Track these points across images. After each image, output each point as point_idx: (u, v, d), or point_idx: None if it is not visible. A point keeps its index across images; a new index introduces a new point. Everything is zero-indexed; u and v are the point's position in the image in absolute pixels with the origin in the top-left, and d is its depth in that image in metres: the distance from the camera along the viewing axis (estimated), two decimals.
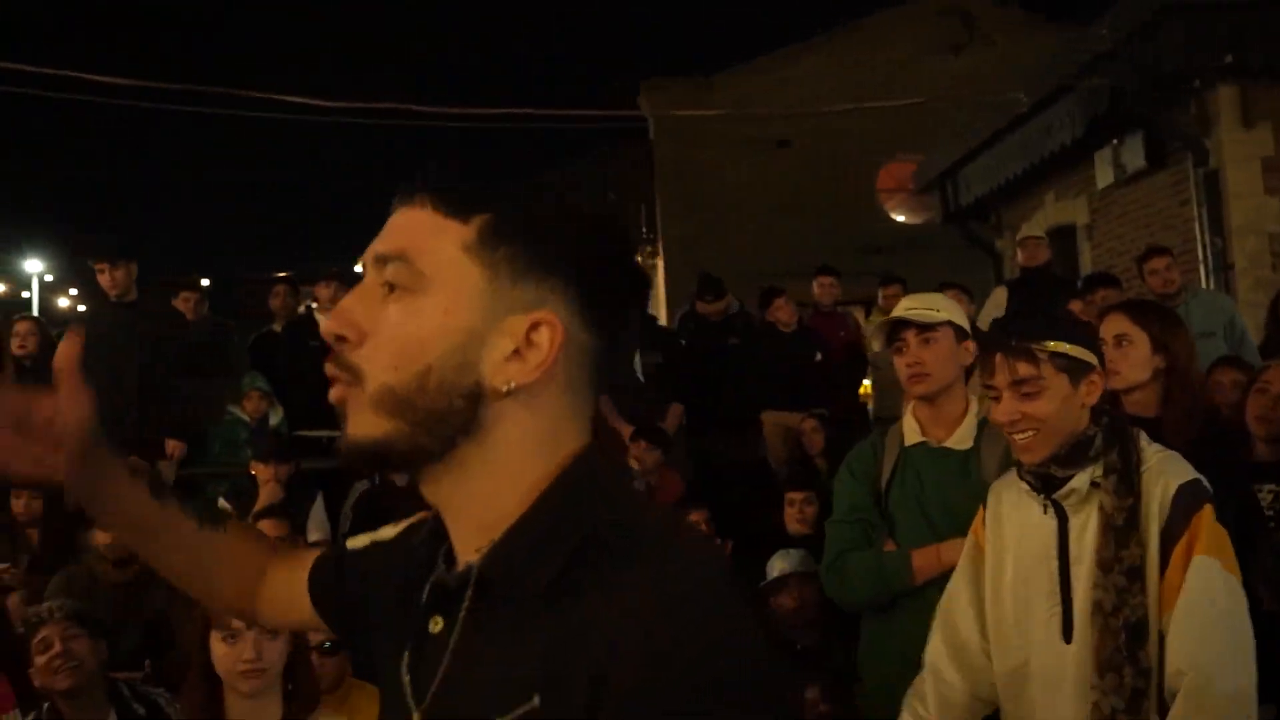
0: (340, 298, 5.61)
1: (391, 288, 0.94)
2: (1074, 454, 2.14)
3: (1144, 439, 2.21)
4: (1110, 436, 2.15)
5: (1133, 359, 2.99)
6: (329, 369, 0.97)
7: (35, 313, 13.81)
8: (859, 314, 8.38)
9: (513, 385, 0.93)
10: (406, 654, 1.00)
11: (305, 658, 2.61)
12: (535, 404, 0.94)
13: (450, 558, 1.00)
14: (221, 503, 5.71)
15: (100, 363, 5.73)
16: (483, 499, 0.95)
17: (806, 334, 7.28)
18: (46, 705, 3.26)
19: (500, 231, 0.94)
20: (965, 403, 2.84)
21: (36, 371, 6.13)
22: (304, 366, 6.87)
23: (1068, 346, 2.13)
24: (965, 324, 2.86)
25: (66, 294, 27.80)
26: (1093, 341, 2.25)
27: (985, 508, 2.33)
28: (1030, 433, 2.13)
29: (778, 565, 4.57)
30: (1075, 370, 2.14)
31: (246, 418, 6.44)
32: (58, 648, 3.23)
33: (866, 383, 8.09)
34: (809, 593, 4.29)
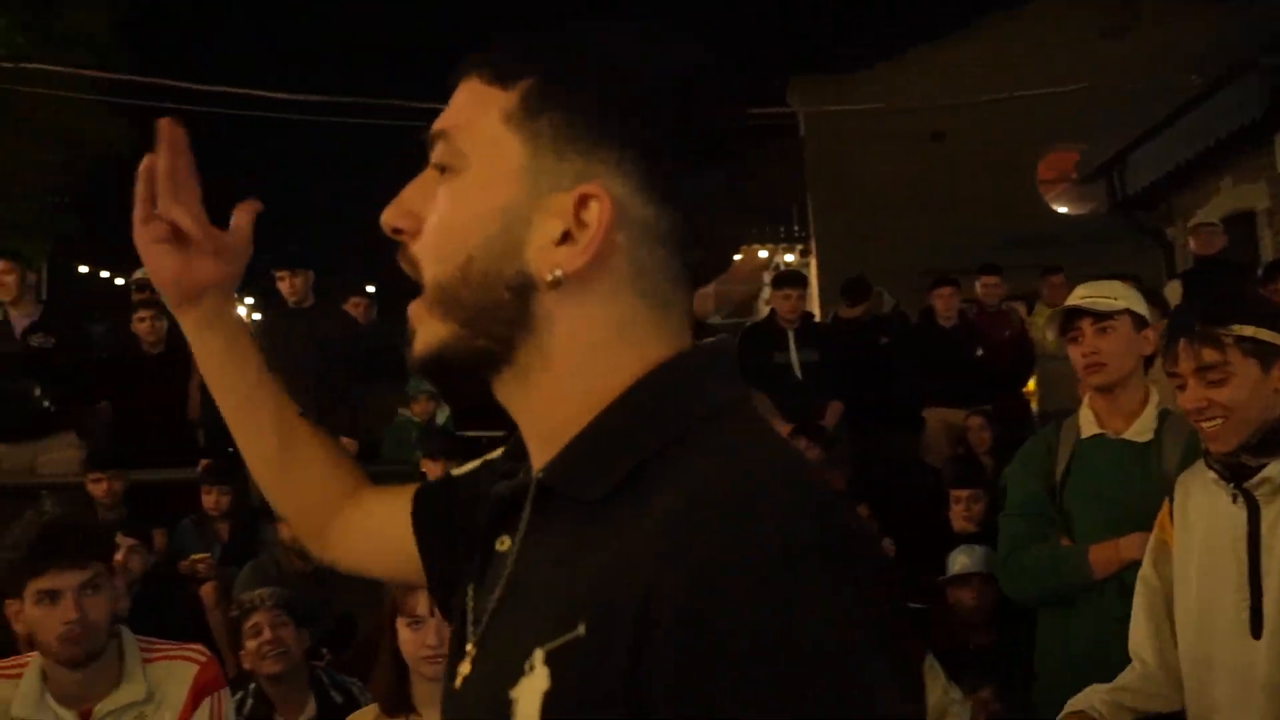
0: None
1: (442, 170, 0.84)
2: (1266, 442, 2.05)
3: None
4: None
5: None
6: (402, 265, 0.88)
7: None
8: (1021, 309, 8.14)
9: (559, 273, 0.79)
10: (470, 583, 0.90)
11: None
12: (591, 296, 0.81)
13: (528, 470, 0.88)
14: None
15: (278, 367, 5.98)
16: (545, 406, 0.84)
17: (967, 329, 7.12)
18: (254, 686, 3.46)
19: (544, 95, 0.81)
20: (1144, 393, 2.75)
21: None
22: None
23: (1255, 330, 2.05)
24: (1144, 311, 2.77)
25: (242, 302, 29.16)
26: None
27: (1171, 501, 2.26)
28: (1218, 420, 2.05)
29: (960, 561, 4.47)
30: (1265, 355, 2.05)
31: (416, 419, 6.67)
32: (268, 635, 3.40)
33: (1032, 381, 7.88)
34: (990, 592, 4.20)
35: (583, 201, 0.79)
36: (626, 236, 0.80)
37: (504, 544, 0.86)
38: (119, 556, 2.56)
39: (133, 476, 5.72)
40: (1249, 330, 2.04)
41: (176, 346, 6.65)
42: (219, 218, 1.15)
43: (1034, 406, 7.85)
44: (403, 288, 0.90)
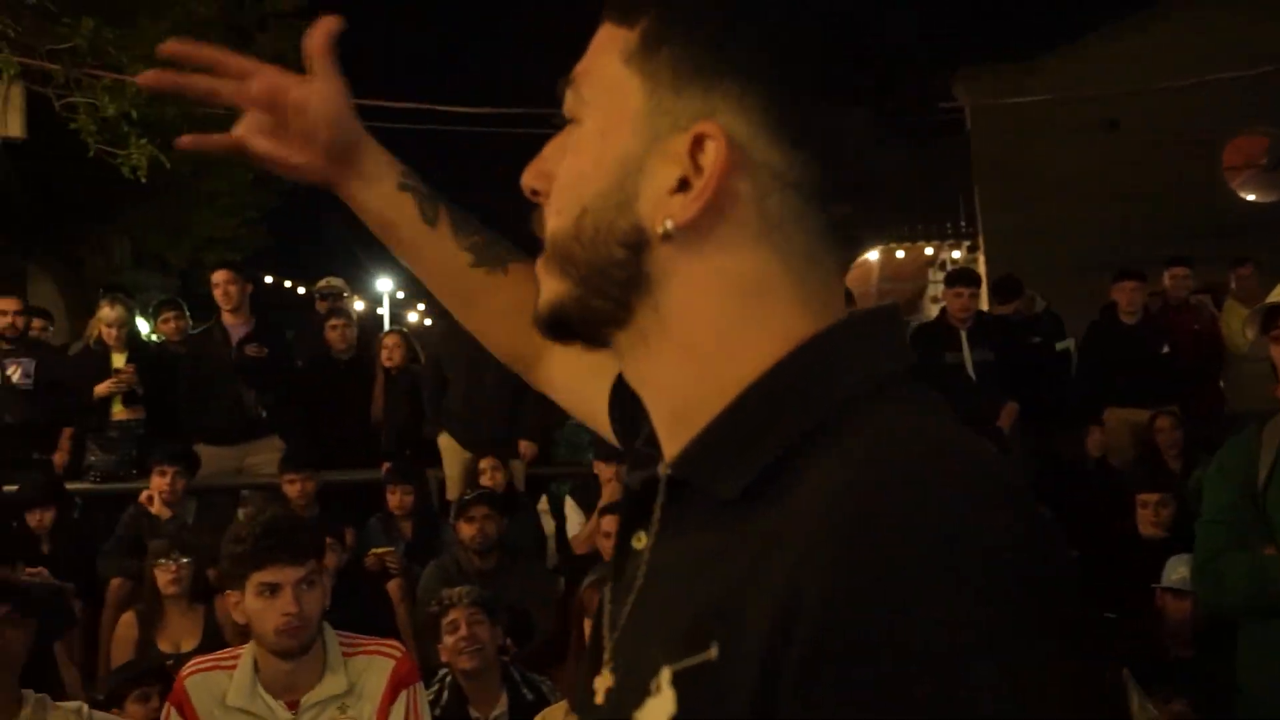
0: None
1: (570, 122, 0.77)
2: None
3: None
4: None
5: None
6: (535, 230, 0.82)
7: (387, 326, 15.15)
8: (1209, 302, 7.77)
9: (669, 225, 0.70)
10: (609, 582, 0.80)
11: None
12: (709, 252, 0.71)
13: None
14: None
15: (462, 368, 6.25)
16: (669, 378, 0.75)
17: (1151, 324, 6.83)
18: (448, 679, 3.60)
19: (664, 25, 0.71)
20: None
21: (399, 379, 6.77)
22: None
23: None
24: None
25: (415, 309, 30.14)
26: None
27: None
28: None
29: (1179, 571, 4.25)
30: None
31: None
32: (464, 631, 3.54)
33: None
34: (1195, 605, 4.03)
35: (698, 142, 0.69)
36: (751, 184, 0.70)
37: (640, 540, 0.76)
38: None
39: (323, 477, 6.01)
40: None
41: (363, 353, 6.98)
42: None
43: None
44: None
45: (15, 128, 7.28)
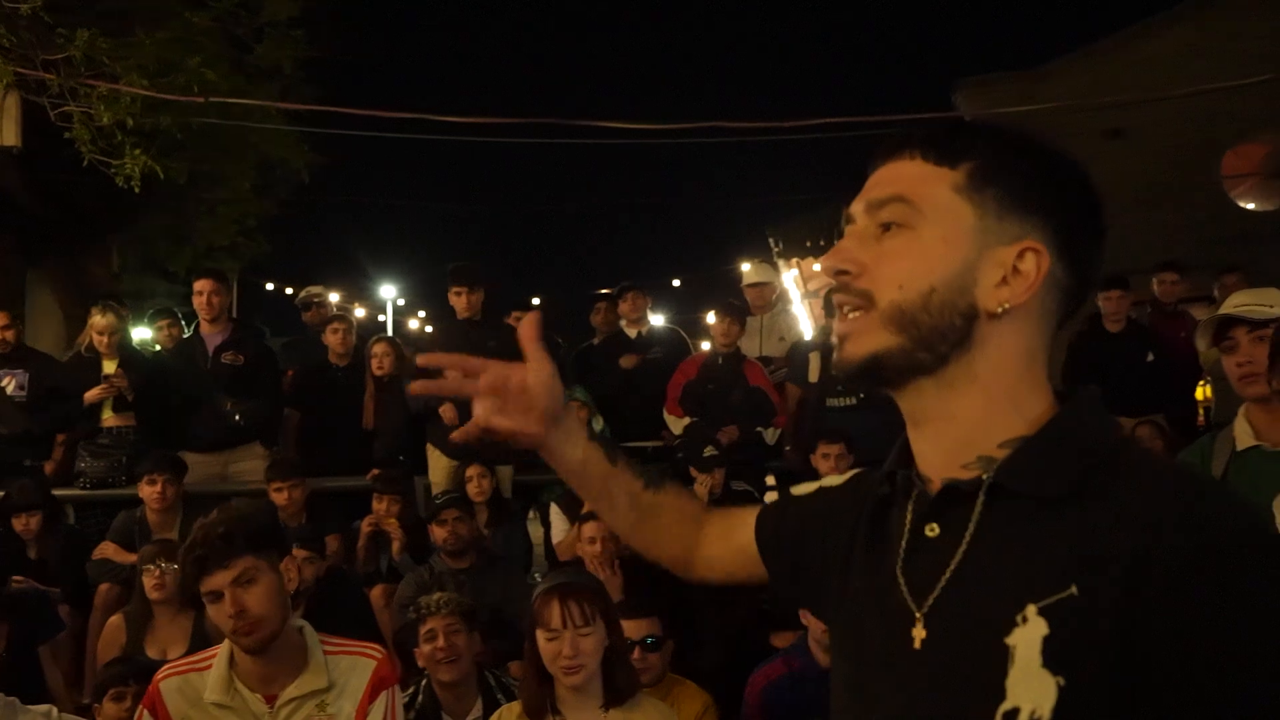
0: (639, 306, 5.79)
1: (887, 226, 1.08)
2: None
3: None
4: None
5: None
6: (836, 299, 1.11)
7: (390, 334, 15.19)
8: (1200, 312, 7.75)
9: (1006, 306, 1.04)
10: (900, 560, 1.09)
11: (623, 653, 2.84)
12: (1018, 327, 1.06)
13: (916, 475, 1.12)
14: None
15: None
16: (969, 414, 1.07)
17: (1137, 333, 6.83)
18: (425, 683, 3.63)
19: (986, 175, 1.06)
20: None
21: (390, 386, 6.79)
22: (621, 378, 7.24)
23: None
24: None
25: (416, 316, 30.24)
26: None
27: None
28: None
29: None
30: None
31: None
32: (442, 642, 3.56)
33: (1206, 387, 7.50)
34: None
35: (1022, 254, 1.04)
36: (1043, 286, 1.05)
37: (934, 530, 1.07)
38: (292, 567, 2.73)
39: (314, 484, 6.04)
40: None
41: (360, 360, 7.01)
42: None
43: (1210, 413, 7.47)
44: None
45: (10, 136, 7.35)
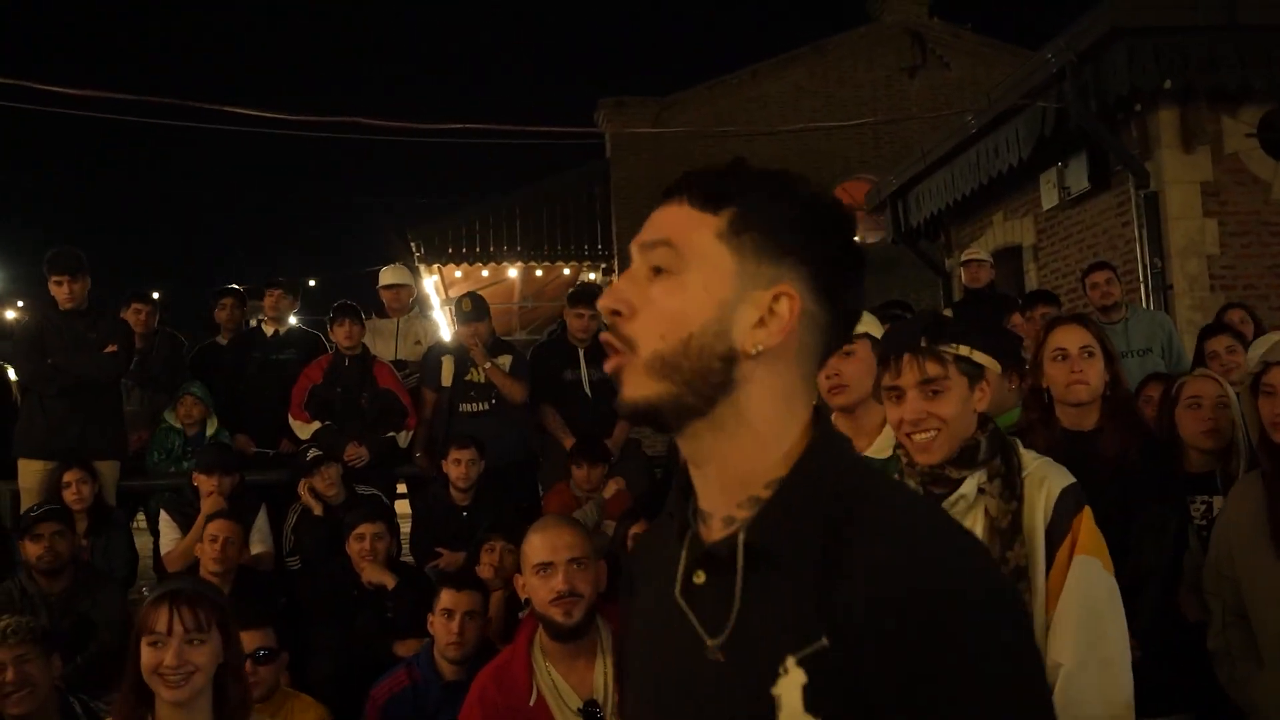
0: (282, 305, 5.55)
1: (657, 270, 1.11)
2: (964, 457, 2.18)
3: (1020, 446, 2.27)
4: (994, 443, 2.20)
5: (1098, 370, 3.04)
6: (605, 339, 1.13)
7: None
8: None
9: (760, 348, 1.08)
10: (677, 589, 1.14)
11: (238, 666, 2.57)
12: (776, 366, 1.10)
13: (695, 512, 1.15)
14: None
15: (52, 366, 5.69)
16: (738, 454, 1.10)
17: None
18: None
19: (746, 221, 1.10)
20: (883, 414, 2.88)
21: None
22: (249, 378, 6.86)
23: (969, 350, 2.18)
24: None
25: (15, 307, 27.40)
26: (1005, 350, 2.29)
27: None
28: (933, 432, 2.17)
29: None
30: (973, 375, 2.19)
31: (180, 426, 6.38)
32: (10, 675, 3.18)
33: None
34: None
35: (776, 297, 1.09)
36: (800, 324, 1.09)
37: (700, 577, 1.11)
38: None
39: None
40: (964, 350, 2.18)
41: None
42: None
43: None
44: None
45: None
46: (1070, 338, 3.07)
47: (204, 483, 5.45)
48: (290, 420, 6.32)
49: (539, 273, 16.43)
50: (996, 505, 2.14)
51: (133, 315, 6.73)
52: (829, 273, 1.11)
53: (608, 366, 1.13)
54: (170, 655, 2.39)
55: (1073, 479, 2.20)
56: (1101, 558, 2.12)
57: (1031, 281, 9.55)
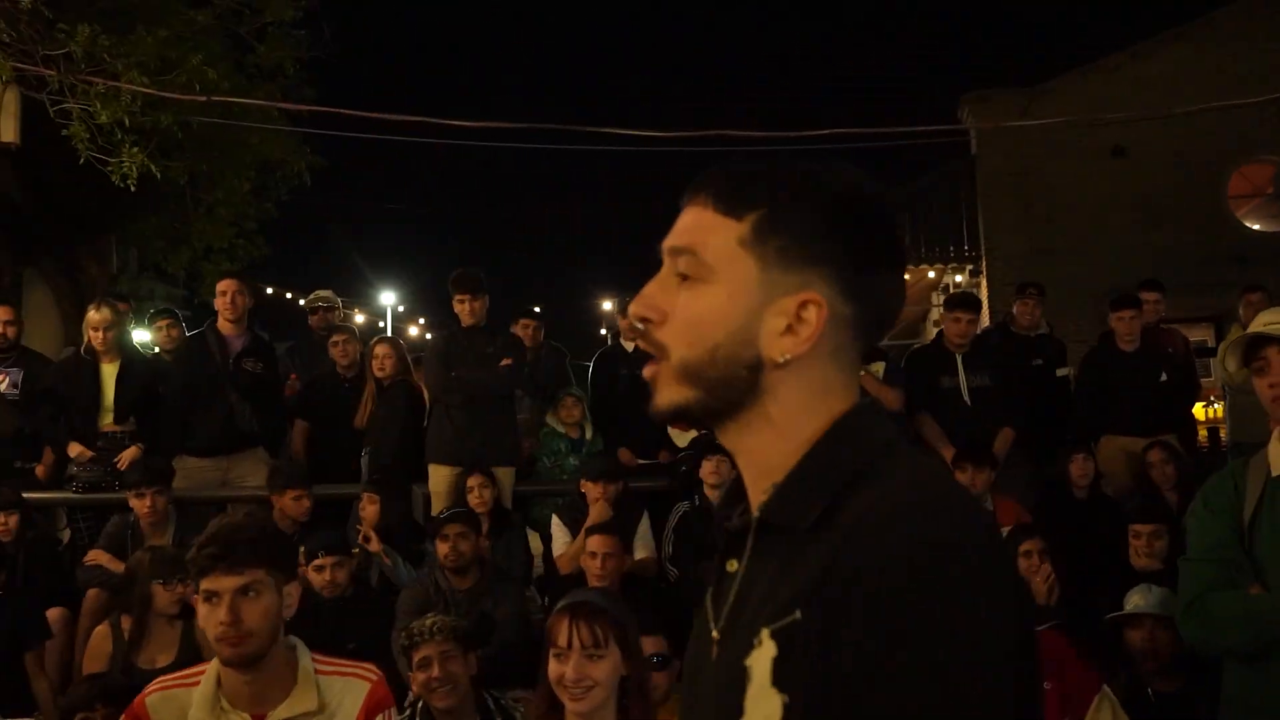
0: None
1: (684, 277, 1.10)
2: None
3: None
4: None
5: None
6: (640, 342, 1.14)
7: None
8: (1206, 332, 7.65)
9: (787, 357, 1.07)
10: (710, 589, 1.16)
11: (641, 680, 2.62)
12: (805, 371, 1.08)
13: (745, 501, 1.15)
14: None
15: (455, 379, 6.16)
16: (764, 449, 1.10)
17: (1150, 352, 6.71)
18: (421, 704, 3.48)
19: (770, 226, 1.08)
20: None
21: (390, 388, 6.68)
22: (619, 394, 7.13)
23: None
24: None
25: (416, 323, 30.16)
26: None
27: None
28: None
29: (1134, 600, 4.26)
30: None
31: (563, 429, 6.74)
32: (436, 671, 3.42)
33: (1215, 407, 7.41)
34: (1165, 637, 3.96)
35: (804, 304, 1.06)
36: (830, 327, 1.07)
37: (733, 565, 1.12)
38: (294, 593, 2.60)
39: (319, 491, 5.93)
40: None
41: (363, 370, 6.90)
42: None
43: (1222, 436, 7.37)
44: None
45: (9, 133, 7.23)
46: None
47: (591, 490, 5.71)
48: (669, 428, 6.52)
49: (905, 276, 16.10)
50: None
51: (522, 330, 7.20)
52: (862, 272, 1.09)
53: (646, 373, 1.13)
54: (571, 669, 2.50)
55: None
56: None
57: None
